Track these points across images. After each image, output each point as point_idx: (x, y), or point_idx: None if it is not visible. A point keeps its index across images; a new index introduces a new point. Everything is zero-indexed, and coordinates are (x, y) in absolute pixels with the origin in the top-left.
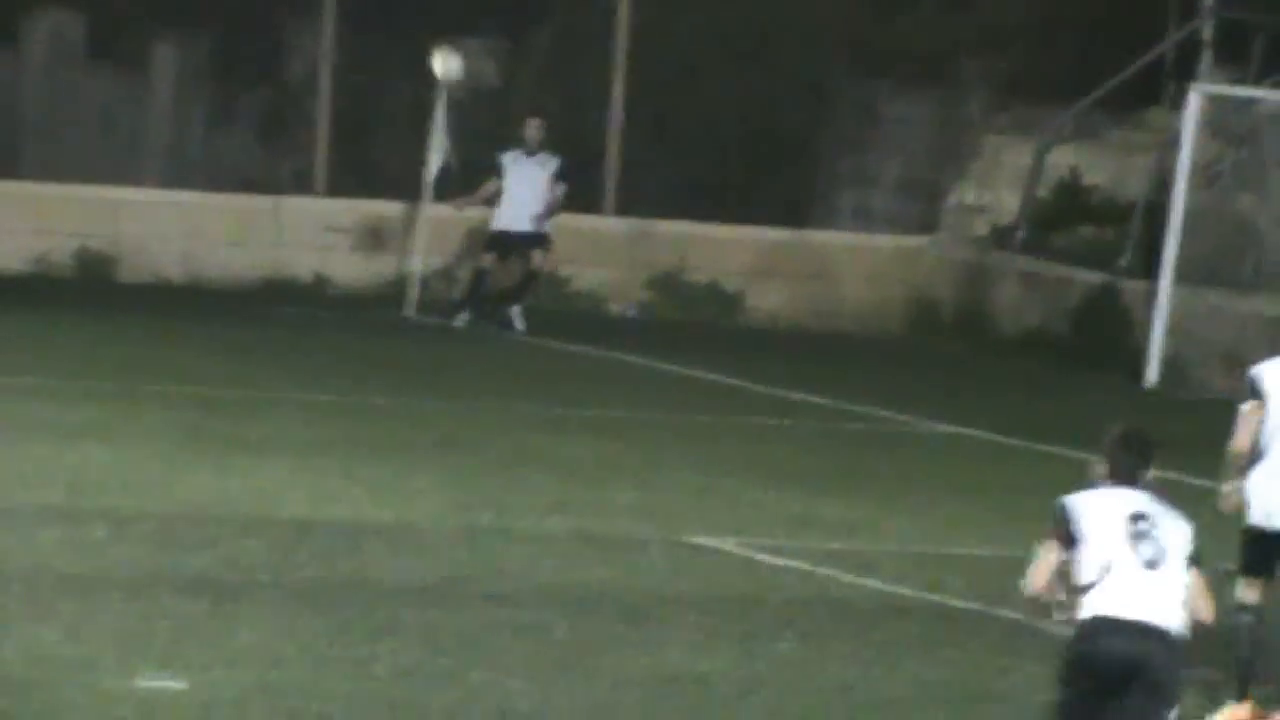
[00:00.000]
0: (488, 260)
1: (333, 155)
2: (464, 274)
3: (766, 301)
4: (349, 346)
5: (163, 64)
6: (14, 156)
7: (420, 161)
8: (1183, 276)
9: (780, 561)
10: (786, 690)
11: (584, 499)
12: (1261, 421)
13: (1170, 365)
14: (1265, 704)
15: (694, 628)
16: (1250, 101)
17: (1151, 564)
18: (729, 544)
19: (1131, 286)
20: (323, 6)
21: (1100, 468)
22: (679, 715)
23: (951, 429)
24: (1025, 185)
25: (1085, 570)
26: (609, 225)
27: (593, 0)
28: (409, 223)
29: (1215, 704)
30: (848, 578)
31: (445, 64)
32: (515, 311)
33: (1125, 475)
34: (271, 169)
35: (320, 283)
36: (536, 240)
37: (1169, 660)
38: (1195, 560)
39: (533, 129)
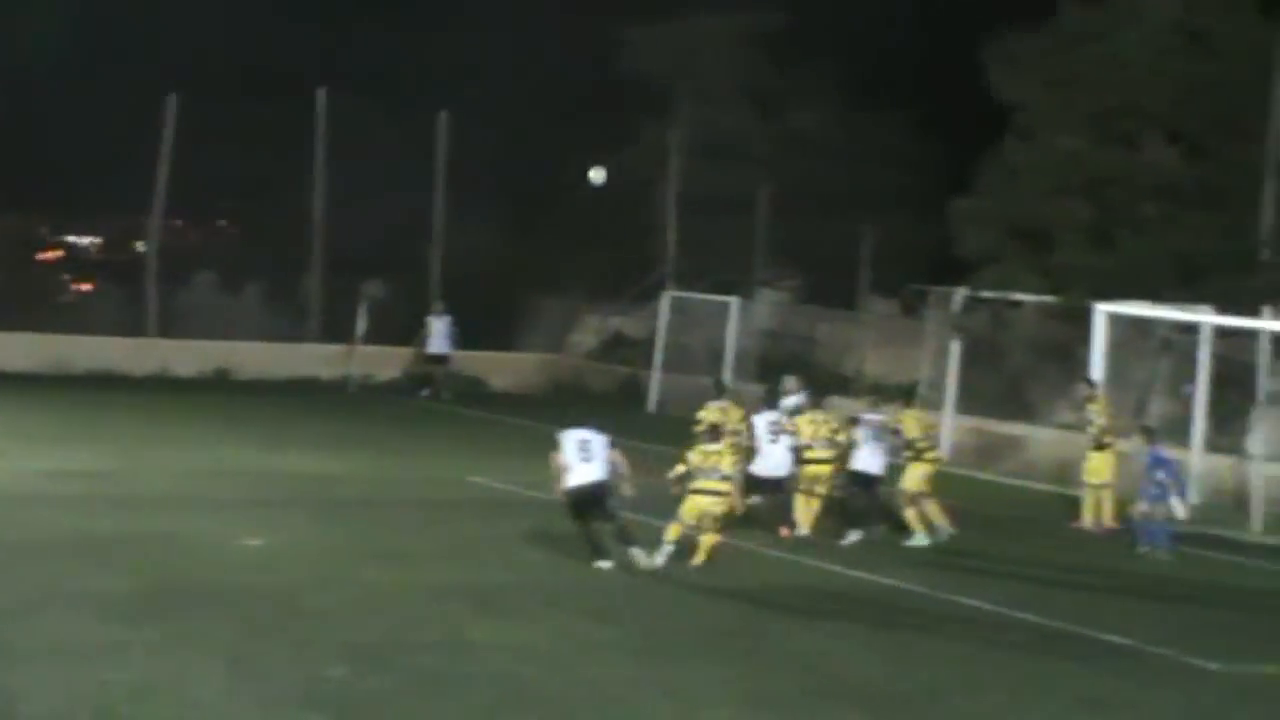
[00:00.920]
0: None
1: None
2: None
3: (504, 382)
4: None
5: None
6: None
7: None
8: (668, 368)
9: None
10: None
11: None
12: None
13: (659, 404)
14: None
15: None
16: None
17: (587, 459)
18: None
19: (646, 374)
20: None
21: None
22: None
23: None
24: (599, 334)
25: (567, 462)
26: None
27: None
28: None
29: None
30: None
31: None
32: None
33: (581, 424)
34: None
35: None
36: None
37: (603, 492)
38: (613, 445)
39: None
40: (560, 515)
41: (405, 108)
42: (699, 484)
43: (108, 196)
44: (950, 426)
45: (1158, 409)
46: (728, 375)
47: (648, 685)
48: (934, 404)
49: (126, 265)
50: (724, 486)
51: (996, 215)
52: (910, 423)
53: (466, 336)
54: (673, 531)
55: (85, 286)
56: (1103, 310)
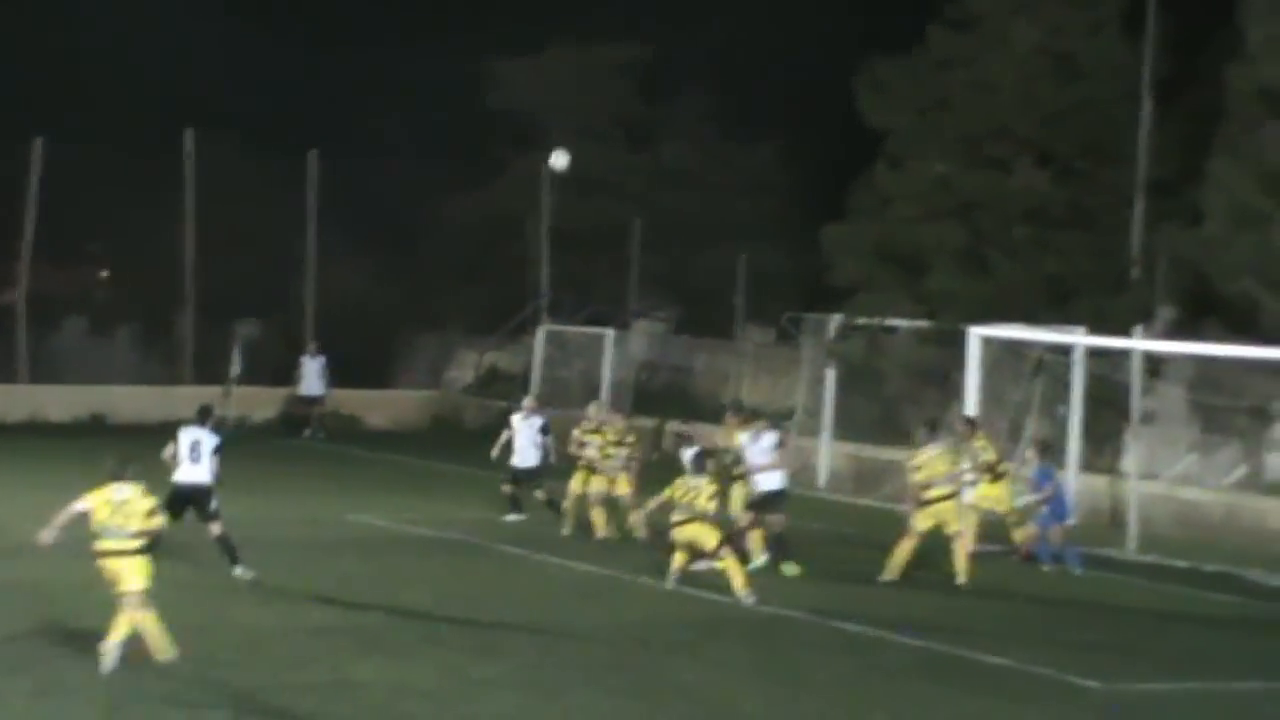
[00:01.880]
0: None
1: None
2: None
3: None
4: None
5: None
6: None
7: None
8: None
9: None
10: None
11: None
12: None
13: None
14: None
15: None
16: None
17: (195, 458)
18: None
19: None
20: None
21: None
22: None
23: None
24: (476, 370)
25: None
26: None
27: None
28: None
29: None
30: None
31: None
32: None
33: (199, 422)
34: None
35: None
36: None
37: (205, 492)
38: (218, 451)
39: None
40: (440, 550)
41: (275, 146)
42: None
43: None
44: (827, 452)
45: (1033, 430)
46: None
47: (530, 718)
48: (811, 430)
49: None
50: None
51: (869, 241)
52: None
53: (343, 374)
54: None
55: None
56: (976, 334)
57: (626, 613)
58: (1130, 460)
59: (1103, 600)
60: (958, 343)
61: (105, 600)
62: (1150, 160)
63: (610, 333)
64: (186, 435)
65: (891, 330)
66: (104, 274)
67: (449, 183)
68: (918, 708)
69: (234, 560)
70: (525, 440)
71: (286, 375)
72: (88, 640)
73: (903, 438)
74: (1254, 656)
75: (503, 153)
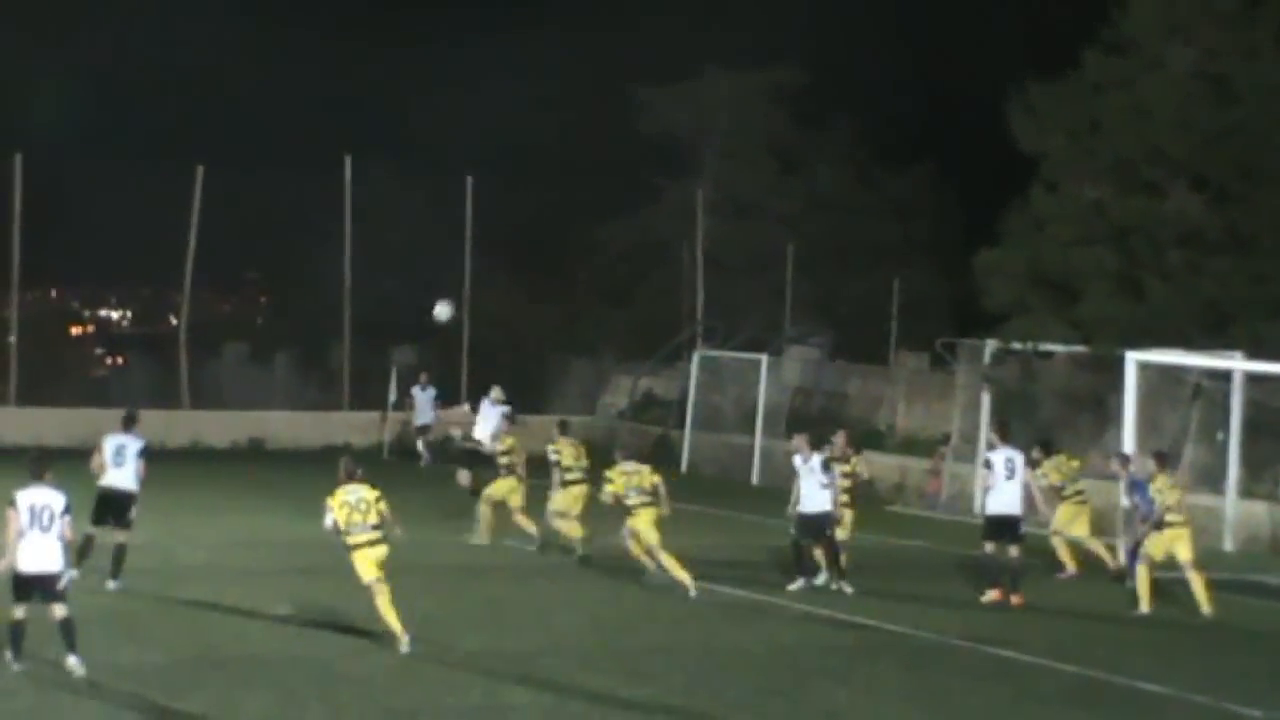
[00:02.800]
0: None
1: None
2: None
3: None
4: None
5: None
6: None
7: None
8: (699, 427)
9: None
10: None
11: None
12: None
13: (691, 463)
14: None
15: None
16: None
17: (119, 463)
18: None
19: (678, 433)
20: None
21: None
22: None
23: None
24: (630, 395)
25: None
26: None
27: None
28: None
29: None
30: None
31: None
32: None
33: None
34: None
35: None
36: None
37: (128, 497)
38: (143, 454)
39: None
40: (591, 574)
41: (431, 173)
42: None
43: (138, 270)
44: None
45: (1191, 456)
46: (759, 433)
47: None
48: (967, 456)
49: (157, 338)
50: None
51: (1023, 266)
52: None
53: None
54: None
55: (118, 360)
56: (1133, 359)
57: (776, 636)
58: None
59: (1262, 627)
60: (1113, 368)
61: (265, 624)
62: None
63: (764, 358)
64: (111, 441)
65: (1046, 355)
66: (263, 300)
67: (603, 207)
68: None
69: (114, 574)
70: None
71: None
72: (251, 664)
73: None
74: None
75: (656, 178)
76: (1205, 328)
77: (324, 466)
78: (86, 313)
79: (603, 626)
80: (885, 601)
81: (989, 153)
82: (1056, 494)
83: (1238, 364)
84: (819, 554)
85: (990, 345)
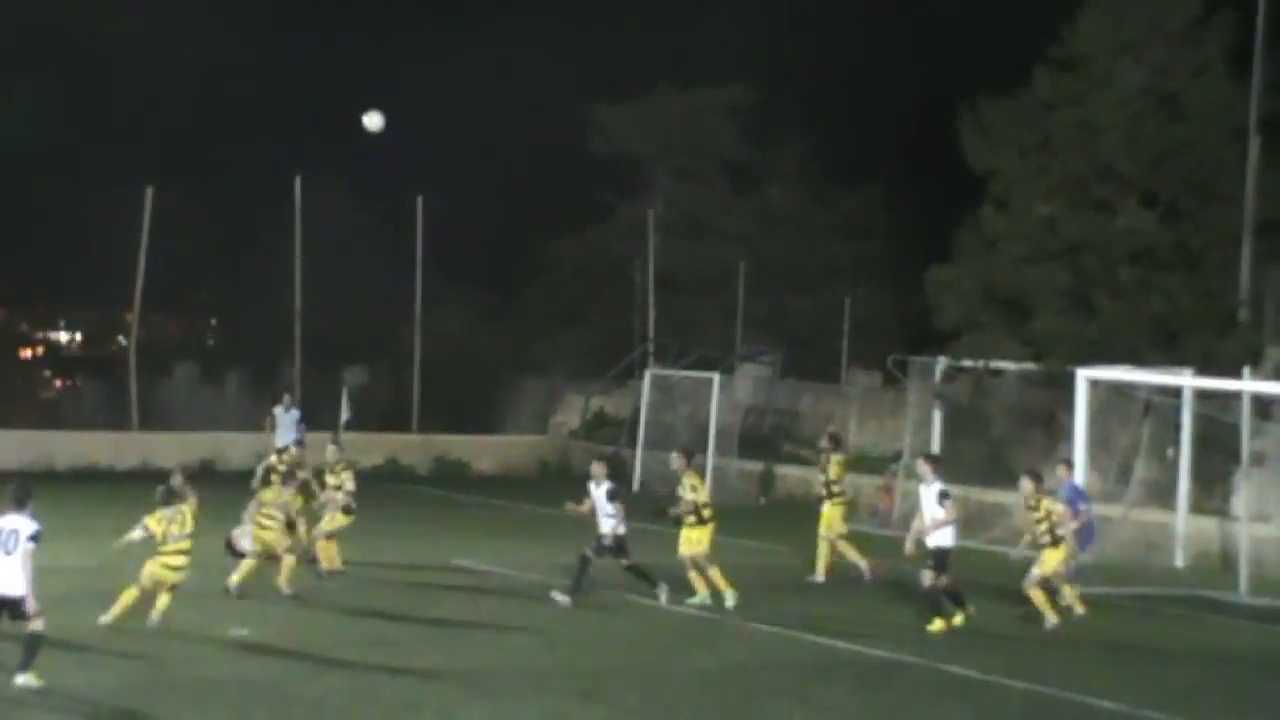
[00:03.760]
0: None
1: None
2: None
3: (489, 465)
4: None
5: None
6: None
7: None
8: (651, 445)
9: None
10: None
11: None
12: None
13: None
14: None
15: None
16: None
17: (9, 552)
18: None
19: (630, 452)
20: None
21: None
22: None
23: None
24: (582, 414)
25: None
26: None
27: None
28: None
29: None
30: None
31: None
32: None
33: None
34: None
35: None
36: None
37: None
38: (35, 539)
39: None
40: (546, 595)
41: (380, 193)
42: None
43: (87, 291)
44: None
45: (1142, 473)
46: (711, 451)
47: None
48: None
49: (107, 359)
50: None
51: (974, 283)
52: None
53: (450, 419)
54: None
55: (66, 382)
56: (1084, 375)
57: (731, 656)
58: (1240, 502)
59: (1213, 644)
60: (1064, 384)
61: (217, 646)
62: (1257, 200)
63: (716, 376)
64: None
65: (998, 373)
66: (213, 321)
67: (555, 227)
68: None
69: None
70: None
71: (393, 422)
72: (205, 686)
73: (1010, 479)
74: None
75: (607, 197)
76: (1155, 344)
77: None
78: (36, 334)
79: (556, 646)
80: (839, 620)
81: (940, 171)
82: (828, 490)
83: (1187, 380)
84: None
85: (942, 362)
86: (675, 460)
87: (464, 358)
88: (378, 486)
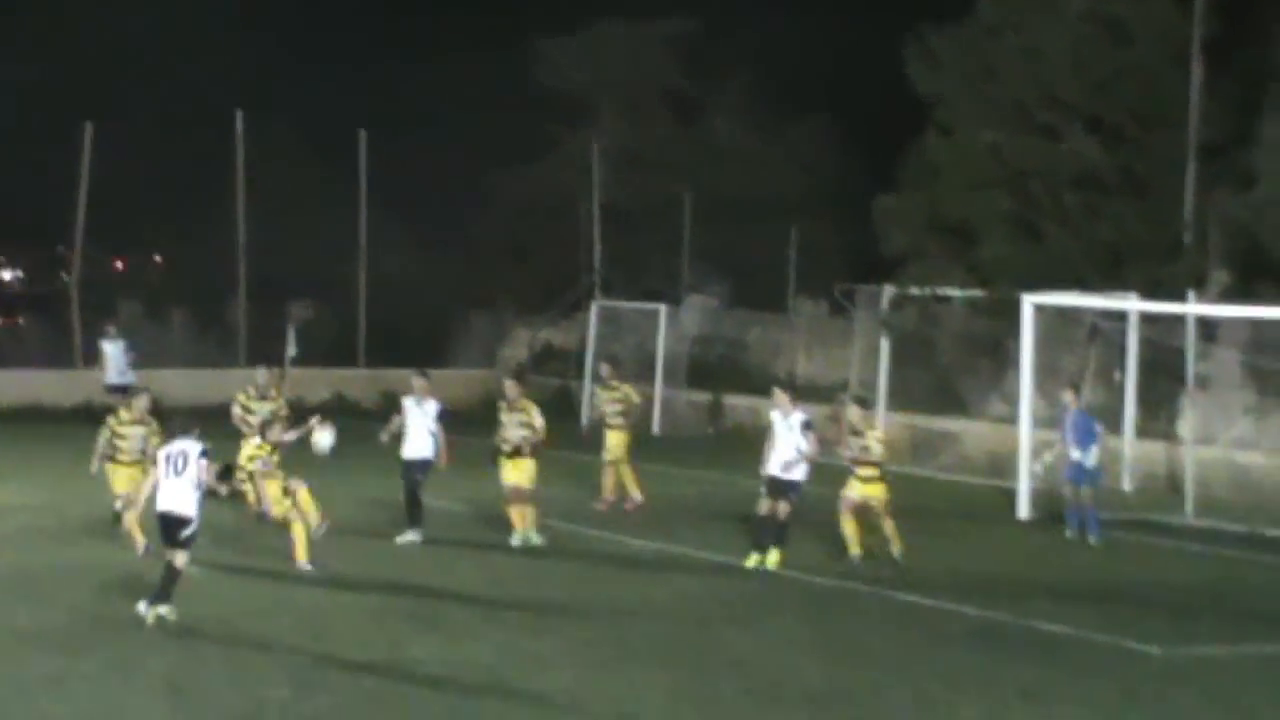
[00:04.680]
0: None
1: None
2: None
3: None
4: None
5: None
6: None
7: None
8: (597, 378)
9: None
10: None
11: None
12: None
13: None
14: None
15: None
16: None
17: (177, 472)
18: None
19: (577, 385)
20: None
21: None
22: None
23: None
24: (529, 347)
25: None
26: None
27: None
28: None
29: None
30: None
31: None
32: None
33: (172, 435)
34: None
35: None
36: None
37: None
38: (205, 455)
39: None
40: (495, 528)
41: (324, 128)
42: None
43: (29, 230)
44: (883, 423)
45: (1089, 397)
46: (659, 383)
47: (589, 694)
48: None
49: (50, 298)
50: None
51: (920, 211)
52: None
53: (397, 354)
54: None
55: (8, 320)
56: (1030, 301)
57: (683, 587)
58: (1186, 425)
59: (1160, 567)
60: (1011, 311)
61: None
62: (1201, 124)
63: (663, 308)
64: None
65: (944, 300)
66: (158, 259)
67: (500, 162)
68: (977, 677)
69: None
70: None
71: (339, 357)
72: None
73: (957, 407)
74: None
75: (553, 130)
76: (1101, 270)
77: (222, 424)
78: None
79: (504, 579)
80: (789, 548)
81: (885, 99)
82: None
83: (1133, 304)
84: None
85: (888, 291)
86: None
87: (410, 292)
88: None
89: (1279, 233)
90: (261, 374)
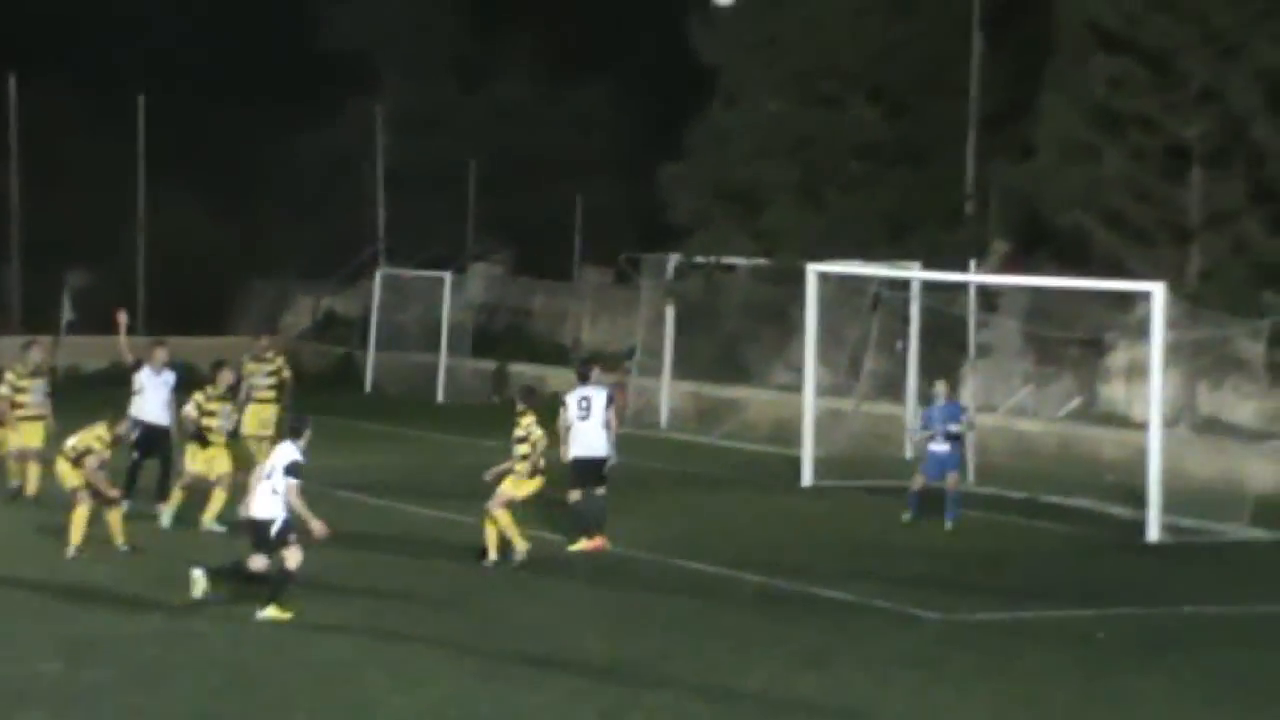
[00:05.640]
0: None
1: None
2: None
3: None
4: None
5: None
6: None
7: None
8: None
9: None
10: None
11: None
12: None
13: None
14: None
15: None
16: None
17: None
18: None
19: (361, 353)
20: None
21: None
22: None
23: None
24: (312, 315)
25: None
26: None
27: None
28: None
29: None
30: None
31: None
32: None
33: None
34: None
35: None
36: None
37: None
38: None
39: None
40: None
41: (102, 91)
42: None
43: None
44: (668, 392)
45: (872, 366)
46: (444, 351)
47: (370, 664)
48: (652, 370)
49: None
50: None
51: (705, 179)
52: None
53: (177, 320)
54: None
55: None
56: (814, 270)
57: (468, 554)
58: (967, 393)
59: (941, 534)
60: (796, 280)
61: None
62: (981, 94)
63: (448, 275)
64: None
65: (730, 268)
66: None
67: (283, 125)
68: (761, 644)
69: None
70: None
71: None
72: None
73: (742, 375)
74: (1087, 584)
75: (337, 94)
76: (885, 237)
77: None
78: None
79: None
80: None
81: (671, 66)
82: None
83: (916, 273)
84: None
85: (674, 259)
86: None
87: (190, 258)
88: (100, 391)
89: (1056, 202)
90: (35, 352)
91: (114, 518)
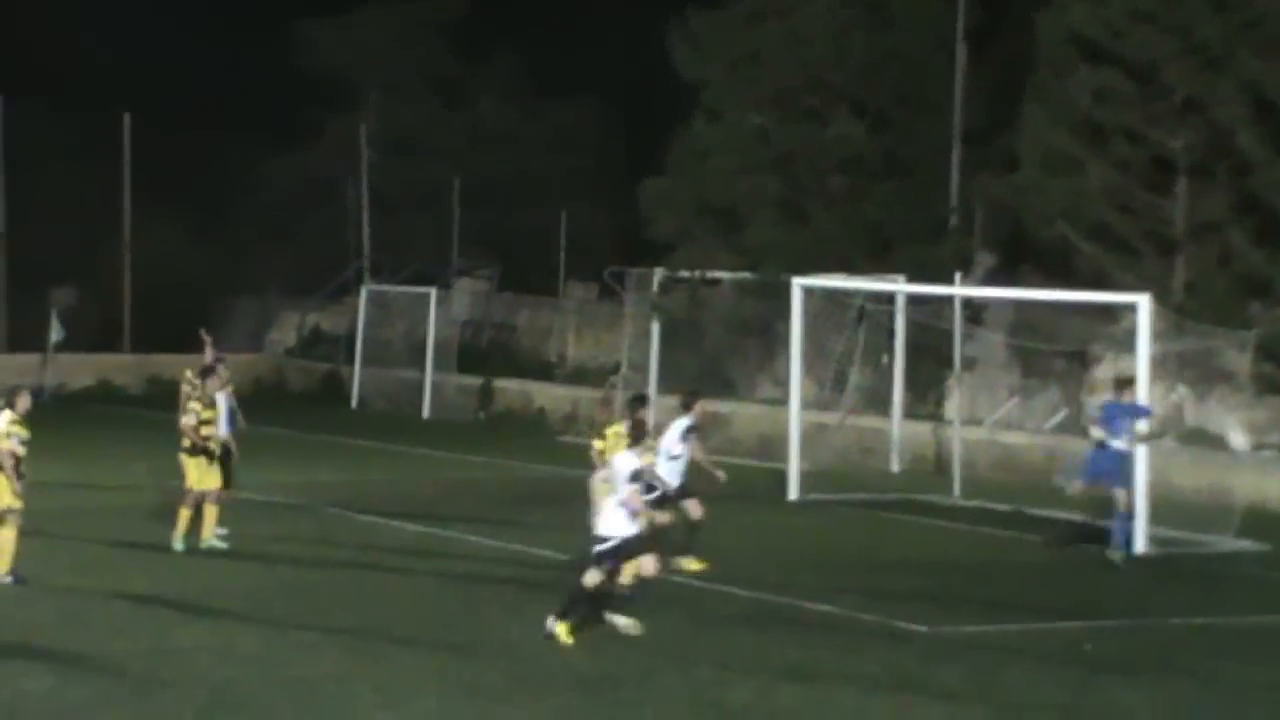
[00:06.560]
0: None
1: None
2: None
3: None
4: None
5: None
6: None
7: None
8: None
9: None
10: None
11: None
12: None
13: (361, 399)
14: None
15: None
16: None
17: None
18: None
19: (347, 369)
20: None
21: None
22: None
23: None
24: (298, 332)
25: None
26: None
27: None
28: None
29: None
30: None
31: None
32: None
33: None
34: None
35: None
36: None
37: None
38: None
39: None
40: (264, 514)
41: (87, 111)
42: None
43: None
44: (653, 406)
45: (857, 379)
46: (429, 367)
47: (356, 680)
48: (637, 385)
49: None
50: None
51: (688, 195)
52: None
53: (163, 339)
54: None
55: None
56: (799, 284)
57: (450, 569)
58: (953, 407)
59: (927, 547)
60: (780, 294)
61: None
62: (965, 109)
63: (433, 292)
64: None
65: (714, 283)
66: None
67: (267, 144)
68: (746, 658)
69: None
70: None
71: (104, 342)
72: None
73: (728, 389)
74: (1073, 596)
75: (319, 114)
76: (869, 252)
77: None
78: None
79: (274, 567)
80: (558, 533)
81: (652, 83)
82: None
83: (900, 287)
84: None
85: (658, 274)
86: None
87: (175, 277)
88: (87, 408)
89: (1040, 215)
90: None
91: (210, 514)
